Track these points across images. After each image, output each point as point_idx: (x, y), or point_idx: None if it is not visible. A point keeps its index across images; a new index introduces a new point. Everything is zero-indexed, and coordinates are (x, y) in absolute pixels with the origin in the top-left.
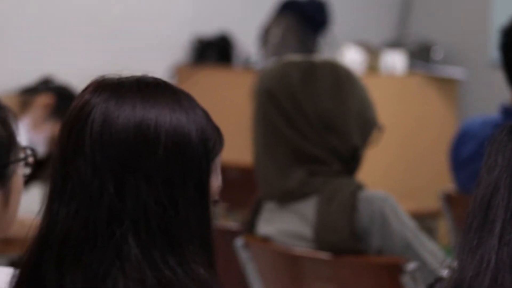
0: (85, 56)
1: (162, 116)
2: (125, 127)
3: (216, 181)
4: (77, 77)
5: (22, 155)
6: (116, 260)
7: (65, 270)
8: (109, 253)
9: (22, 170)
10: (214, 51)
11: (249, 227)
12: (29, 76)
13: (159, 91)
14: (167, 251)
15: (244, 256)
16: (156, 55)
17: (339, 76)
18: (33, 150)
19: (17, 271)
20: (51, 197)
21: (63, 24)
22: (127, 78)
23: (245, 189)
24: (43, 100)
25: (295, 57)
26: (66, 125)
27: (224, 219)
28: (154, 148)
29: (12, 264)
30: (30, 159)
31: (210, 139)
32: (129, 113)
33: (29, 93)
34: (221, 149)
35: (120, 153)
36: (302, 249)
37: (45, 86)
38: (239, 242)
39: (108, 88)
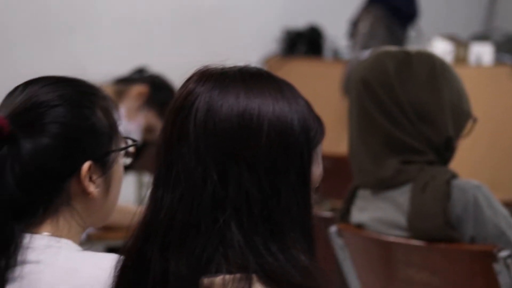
0: (178, 48)
1: (265, 106)
2: (228, 116)
3: (317, 170)
4: (170, 68)
5: (123, 144)
6: (219, 246)
7: (169, 255)
8: (212, 239)
9: (123, 160)
10: (304, 42)
11: (343, 215)
12: (123, 67)
13: (262, 81)
14: (269, 237)
15: (338, 243)
16: (247, 47)
17: (435, 66)
18: (134, 140)
19: (122, 256)
20: (155, 184)
21: (156, 16)
22: (230, 68)
23: (337, 178)
24: (137, 90)
25: (391, 47)
26: (171, 114)
27: (318, 207)
28: (257, 137)
29: (109, 250)
30: (131, 149)
31: (312, 129)
32: (232, 103)
33: (123, 83)
34: (322, 138)
35: (223, 142)
36: (395, 236)
37: (139, 76)
38: (333, 229)
39: (212, 78)
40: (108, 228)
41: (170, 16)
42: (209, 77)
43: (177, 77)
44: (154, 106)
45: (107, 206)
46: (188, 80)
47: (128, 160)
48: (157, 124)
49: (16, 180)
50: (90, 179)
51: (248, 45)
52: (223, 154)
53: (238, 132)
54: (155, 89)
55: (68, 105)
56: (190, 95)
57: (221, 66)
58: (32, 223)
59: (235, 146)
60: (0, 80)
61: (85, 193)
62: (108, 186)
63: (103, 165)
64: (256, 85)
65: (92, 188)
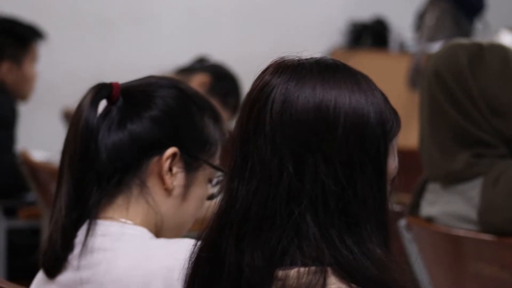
0: (241, 39)
1: (341, 98)
2: (304, 108)
3: (393, 162)
4: (233, 59)
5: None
6: (295, 238)
7: (244, 246)
8: (287, 231)
9: (208, 185)
10: (370, 35)
11: (412, 209)
12: (186, 57)
13: (338, 72)
14: (344, 230)
15: (407, 237)
16: (312, 39)
17: (508, 59)
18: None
19: (197, 247)
20: (231, 175)
21: (220, 7)
22: (306, 59)
23: (405, 171)
24: (199, 79)
25: (461, 40)
26: (247, 105)
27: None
28: (333, 128)
29: None
30: (219, 181)
31: (388, 121)
32: (309, 94)
33: (185, 73)
34: (399, 130)
35: (299, 133)
36: (465, 230)
37: (201, 65)
38: (402, 223)
39: (289, 69)
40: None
41: (233, 6)
42: (285, 68)
43: (240, 67)
44: (216, 95)
45: (181, 214)
46: (264, 71)
47: (213, 190)
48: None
49: (108, 143)
50: (171, 170)
51: (313, 37)
52: (299, 146)
53: (314, 124)
54: (217, 78)
55: (182, 94)
56: (266, 86)
57: (297, 58)
58: (106, 194)
59: (311, 138)
60: (72, 71)
61: (161, 180)
62: (186, 191)
63: (188, 164)
64: (332, 77)
65: (168, 179)
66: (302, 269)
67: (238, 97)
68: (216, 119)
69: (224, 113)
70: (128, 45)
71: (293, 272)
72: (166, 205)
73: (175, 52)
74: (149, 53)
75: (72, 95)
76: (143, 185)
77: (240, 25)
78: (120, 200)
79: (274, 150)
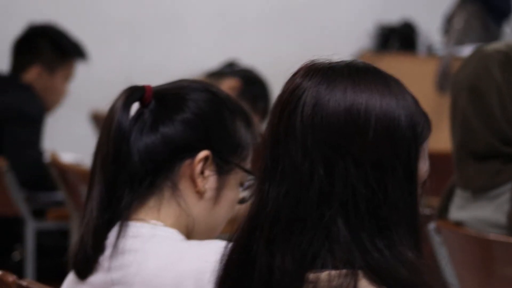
0: (270, 43)
1: (372, 101)
2: (335, 111)
3: (423, 166)
4: (261, 62)
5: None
6: (325, 242)
7: (275, 249)
8: (318, 234)
9: (239, 188)
10: (398, 38)
11: (441, 212)
12: (215, 61)
13: (369, 76)
14: (375, 233)
15: (436, 240)
16: (340, 42)
17: None
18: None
19: (227, 249)
20: (262, 177)
21: (248, 10)
22: (337, 62)
23: (434, 175)
24: (229, 84)
25: (493, 46)
26: (277, 107)
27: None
28: (364, 132)
29: None
30: (248, 184)
31: (419, 124)
32: (339, 97)
33: (215, 77)
34: (429, 134)
35: (330, 137)
36: (495, 234)
37: (231, 69)
38: (431, 226)
39: (319, 72)
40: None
41: (261, 10)
42: (316, 71)
43: (267, 70)
44: (246, 100)
45: (213, 217)
46: (295, 74)
47: (244, 194)
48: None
49: (140, 145)
50: (202, 173)
51: (341, 40)
52: (330, 149)
53: (345, 127)
54: (246, 83)
55: (214, 98)
56: (297, 89)
57: (328, 61)
58: (138, 196)
59: (342, 141)
60: (101, 74)
61: (193, 183)
62: (218, 194)
63: (220, 167)
64: (363, 80)
65: (200, 182)
66: (333, 272)
67: (267, 102)
68: (248, 122)
69: (254, 117)
70: (156, 49)
71: (324, 275)
72: (197, 208)
73: (203, 55)
74: (177, 57)
75: (101, 98)
76: (174, 188)
77: (267, 28)
78: (151, 202)
79: (305, 153)
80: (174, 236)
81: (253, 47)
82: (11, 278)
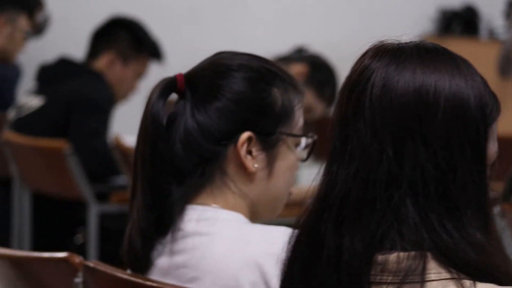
0: (332, 26)
1: (441, 82)
2: (404, 92)
3: (492, 147)
4: (323, 45)
5: (297, 132)
6: (394, 223)
7: (343, 230)
8: (387, 215)
9: (296, 151)
10: (460, 22)
11: (506, 196)
12: (275, 45)
13: (438, 56)
14: (444, 215)
15: (501, 225)
16: (402, 26)
17: None
18: (311, 136)
19: (296, 231)
20: (330, 158)
21: None
22: (406, 43)
23: (499, 159)
24: (296, 69)
25: None
26: (346, 89)
27: None
28: (433, 113)
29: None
30: (307, 143)
31: (488, 105)
32: (409, 78)
33: (283, 62)
34: (498, 115)
35: (399, 117)
36: None
37: (299, 55)
38: (496, 210)
39: (388, 53)
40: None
41: None
42: (385, 52)
43: (328, 53)
44: (313, 86)
45: (271, 190)
46: (363, 55)
47: (303, 154)
48: (315, 104)
49: (180, 137)
50: (250, 153)
51: (403, 24)
52: (399, 130)
53: (414, 108)
54: (314, 69)
55: (247, 74)
56: (365, 70)
57: (396, 42)
58: (190, 189)
59: (411, 122)
60: (167, 59)
61: (242, 165)
62: (271, 168)
63: (265, 142)
64: (432, 61)
65: (249, 162)
66: (401, 253)
67: (334, 88)
68: (286, 84)
69: (319, 104)
70: (219, 33)
71: (392, 256)
72: (253, 187)
73: (266, 38)
74: (239, 41)
75: None
76: (224, 174)
77: (329, 11)
78: (204, 193)
79: (374, 134)
80: (239, 219)
81: (313, 30)
82: (77, 259)
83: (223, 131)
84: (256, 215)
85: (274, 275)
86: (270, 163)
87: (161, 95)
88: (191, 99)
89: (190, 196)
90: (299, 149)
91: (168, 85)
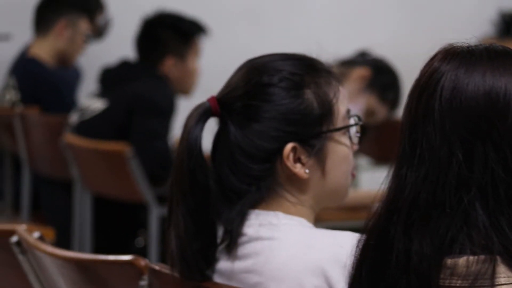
0: (391, 29)
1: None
2: (474, 95)
3: None
4: (382, 49)
5: (344, 122)
6: (464, 226)
7: (412, 233)
8: (456, 219)
9: (346, 138)
10: None
11: None
12: (334, 47)
13: (508, 59)
14: None
15: None
16: (462, 29)
17: None
18: (358, 118)
19: (364, 235)
20: (399, 161)
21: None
22: (476, 46)
23: None
24: (359, 72)
25: None
26: (415, 91)
27: None
28: (503, 116)
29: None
30: (353, 128)
31: None
32: (479, 81)
33: (346, 65)
34: None
35: (469, 121)
36: None
37: (362, 58)
38: None
39: (458, 56)
40: (353, 209)
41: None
42: (454, 55)
43: (388, 57)
44: (376, 89)
45: (330, 185)
46: (433, 58)
47: (355, 138)
48: (378, 108)
49: (227, 162)
50: (299, 160)
51: (463, 27)
52: (469, 133)
53: (484, 111)
54: (377, 72)
55: (277, 89)
56: (435, 73)
57: (466, 45)
58: (246, 203)
59: (481, 125)
60: (223, 60)
61: (293, 175)
62: (323, 167)
63: (311, 147)
64: (502, 64)
65: (299, 169)
66: (471, 257)
67: (397, 92)
68: (317, 78)
69: (382, 108)
70: (277, 34)
71: (462, 260)
72: (311, 190)
73: (323, 41)
74: (298, 42)
75: (223, 85)
76: (278, 186)
77: (388, 14)
78: (263, 204)
79: (443, 137)
80: (301, 223)
81: (372, 34)
82: (143, 262)
83: (267, 150)
84: (322, 206)
85: (339, 280)
86: (321, 163)
87: (197, 122)
88: (230, 122)
89: (248, 209)
90: (350, 134)
91: (203, 112)
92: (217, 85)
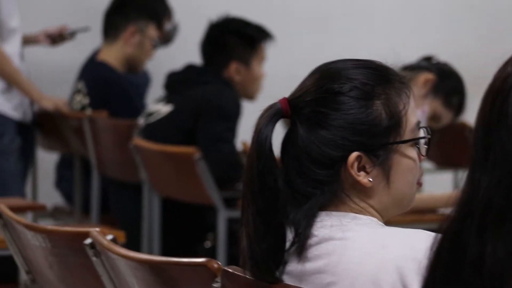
0: (462, 37)
1: None
2: None
3: None
4: (454, 57)
5: (413, 134)
6: None
7: (486, 238)
8: None
9: (413, 150)
10: None
11: None
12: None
13: None
14: None
15: None
16: None
17: None
18: (426, 129)
19: (439, 237)
20: (473, 166)
21: (433, 2)
22: None
23: None
24: (424, 77)
25: None
26: (489, 95)
27: None
28: None
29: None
30: (422, 140)
31: None
32: None
33: (410, 70)
34: None
35: None
36: None
37: (426, 63)
38: None
39: None
40: (421, 212)
41: (444, 2)
42: None
43: (458, 65)
44: (440, 94)
45: (395, 195)
46: (507, 63)
47: (423, 150)
48: (443, 112)
49: (294, 165)
50: (364, 169)
51: None
52: None
53: None
54: (442, 77)
55: (347, 97)
56: (509, 77)
57: None
58: (313, 205)
59: None
60: (289, 65)
61: (357, 182)
62: (387, 177)
63: (376, 157)
64: None
65: (362, 177)
66: None
67: (462, 97)
68: (388, 88)
69: (447, 113)
70: (343, 41)
71: None
72: (375, 198)
73: (389, 47)
74: (364, 49)
75: (289, 92)
76: (343, 192)
77: (455, 21)
78: (330, 207)
79: None
80: (373, 222)
81: (435, 39)
82: (216, 264)
83: (332, 157)
84: (389, 215)
85: (413, 278)
86: (385, 174)
87: (268, 123)
88: (299, 125)
89: (316, 211)
90: (419, 145)
91: (274, 113)
92: (281, 91)
